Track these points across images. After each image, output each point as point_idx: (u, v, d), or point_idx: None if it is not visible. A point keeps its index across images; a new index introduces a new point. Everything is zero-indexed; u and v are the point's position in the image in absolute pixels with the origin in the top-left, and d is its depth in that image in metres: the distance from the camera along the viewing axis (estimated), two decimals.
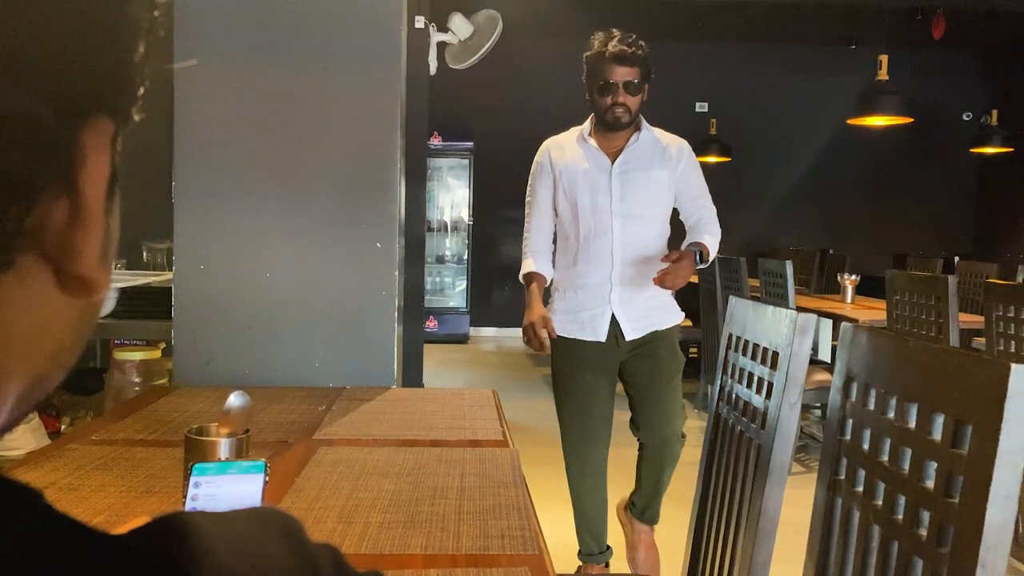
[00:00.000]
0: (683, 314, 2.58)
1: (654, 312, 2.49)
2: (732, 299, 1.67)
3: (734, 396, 1.52)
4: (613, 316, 2.45)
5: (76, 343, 0.31)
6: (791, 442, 1.32)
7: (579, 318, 2.48)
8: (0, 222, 0.25)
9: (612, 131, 2.44)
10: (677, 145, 2.53)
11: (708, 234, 2.50)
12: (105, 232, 0.30)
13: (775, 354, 1.36)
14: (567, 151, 2.54)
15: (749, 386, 1.45)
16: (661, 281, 2.31)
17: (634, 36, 2.40)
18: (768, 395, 1.36)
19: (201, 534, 0.27)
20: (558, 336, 2.46)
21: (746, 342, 1.51)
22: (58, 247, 0.27)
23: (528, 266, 2.54)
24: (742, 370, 1.51)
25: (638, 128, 2.49)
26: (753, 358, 1.46)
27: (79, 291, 0.29)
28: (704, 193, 2.56)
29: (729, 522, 1.42)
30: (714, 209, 2.55)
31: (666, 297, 2.53)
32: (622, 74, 2.38)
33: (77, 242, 0.27)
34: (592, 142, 2.50)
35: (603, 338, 2.46)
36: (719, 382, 1.61)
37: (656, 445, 2.48)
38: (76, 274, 0.28)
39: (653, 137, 2.52)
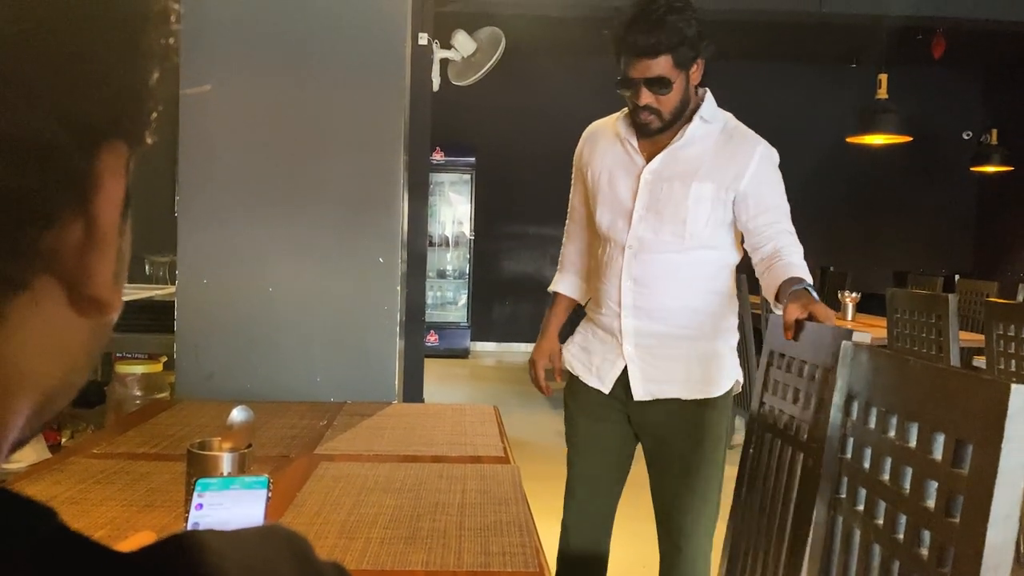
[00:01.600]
0: (738, 375, 1.91)
1: (687, 371, 1.84)
2: (772, 317, 1.64)
3: (776, 412, 1.52)
4: (626, 367, 1.88)
5: (88, 362, 0.32)
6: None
7: (591, 361, 1.95)
8: (17, 244, 0.25)
9: (644, 136, 1.87)
10: (749, 144, 1.85)
11: (796, 258, 1.78)
12: (118, 253, 0.31)
13: (825, 370, 1.31)
14: (600, 144, 1.96)
15: (795, 401, 1.45)
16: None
17: (667, 3, 1.74)
18: (817, 410, 1.31)
19: (212, 553, 0.27)
20: (565, 370, 2.02)
21: (790, 359, 1.51)
22: (73, 269, 0.28)
23: (554, 283, 2.10)
24: (786, 387, 1.51)
25: (689, 119, 1.84)
26: (800, 375, 1.46)
27: (92, 311, 0.29)
28: (782, 214, 1.85)
29: (774, 538, 1.41)
30: (795, 234, 1.85)
31: (713, 351, 1.86)
32: (642, 69, 1.76)
33: (91, 264, 0.28)
34: (628, 134, 1.89)
35: (607, 390, 1.91)
36: (758, 400, 1.60)
37: (666, 555, 1.87)
38: (90, 295, 0.29)
39: (715, 130, 1.85)
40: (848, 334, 1.26)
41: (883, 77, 5.93)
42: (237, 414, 1.09)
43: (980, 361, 3.62)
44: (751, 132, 1.88)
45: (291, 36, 2.02)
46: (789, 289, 1.65)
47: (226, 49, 2.00)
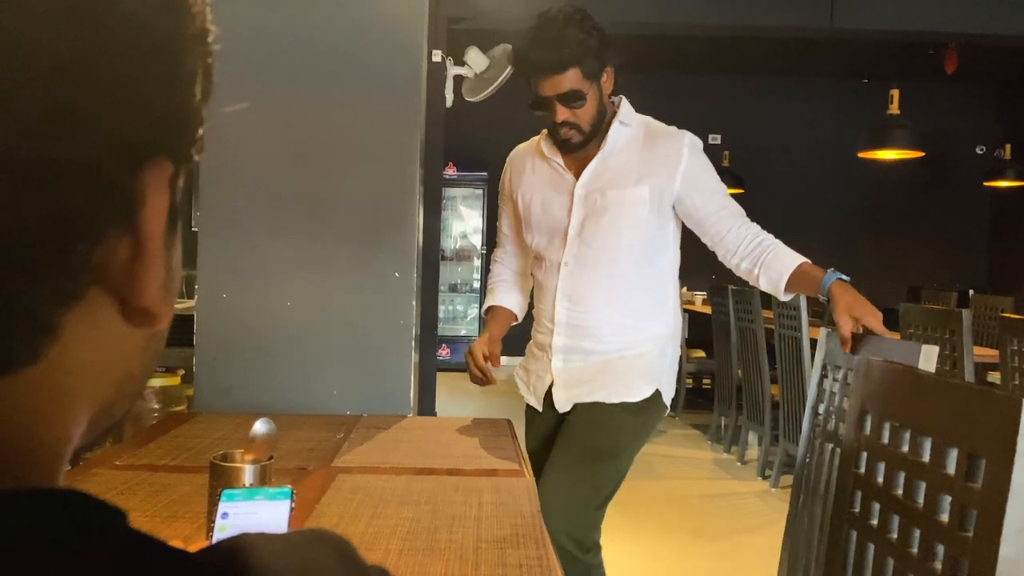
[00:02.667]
0: (666, 384, 1.89)
1: (606, 384, 1.84)
2: (823, 331, 1.65)
3: (832, 424, 1.51)
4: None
5: (143, 372, 0.34)
6: None
7: (528, 379, 1.99)
8: (68, 259, 0.27)
9: (567, 152, 1.88)
10: (675, 139, 1.84)
11: (777, 249, 1.81)
12: (167, 267, 0.32)
13: None
14: (526, 168, 1.99)
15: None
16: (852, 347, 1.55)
17: (563, 17, 1.75)
18: None
19: (266, 554, 0.29)
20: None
21: (847, 371, 1.50)
22: (122, 281, 0.29)
23: (486, 303, 2.09)
24: (843, 398, 1.50)
25: (609, 127, 1.85)
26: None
27: (142, 322, 0.31)
28: (726, 197, 1.88)
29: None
30: (742, 211, 1.89)
31: (639, 359, 1.85)
32: (552, 86, 1.76)
33: (139, 276, 0.29)
34: (552, 153, 1.90)
35: (539, 407, 1.94)
36: (812, 411, 1.59)
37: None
38: (139, 306, 0.30)
39: (638, 134, 1.86)
40: (916, 349, 1.28)
41: (894, 92, 5.94)
42: (260, 426, 1.11)
43: (995, 377, 3.61)
44: (673, 128, 1.89)
45: (310, 55, 2.06)
46: (820, 281, 1.71)
47: (246, 66, 2.04)
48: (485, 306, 2.09)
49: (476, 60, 4.17)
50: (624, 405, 1.83)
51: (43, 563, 0.24)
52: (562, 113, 1.78)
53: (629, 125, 1.87)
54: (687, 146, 1.84)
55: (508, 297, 2.07)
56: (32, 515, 0.25)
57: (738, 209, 1.88)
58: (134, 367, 0.33)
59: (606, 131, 1.85)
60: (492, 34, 4.76)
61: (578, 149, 1.85)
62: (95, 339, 0.30)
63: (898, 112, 5.90)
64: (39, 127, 0.25)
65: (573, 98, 1.77)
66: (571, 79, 1.75)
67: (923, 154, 6.22)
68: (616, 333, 1.85)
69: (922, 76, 7.65)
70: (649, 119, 1.91)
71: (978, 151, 8.86)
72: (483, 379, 1.95)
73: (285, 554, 0.30)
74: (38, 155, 0.25)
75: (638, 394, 1.84)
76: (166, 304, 0.31)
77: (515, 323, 2.11)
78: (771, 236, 1.85)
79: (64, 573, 0.24)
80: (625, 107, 1.88)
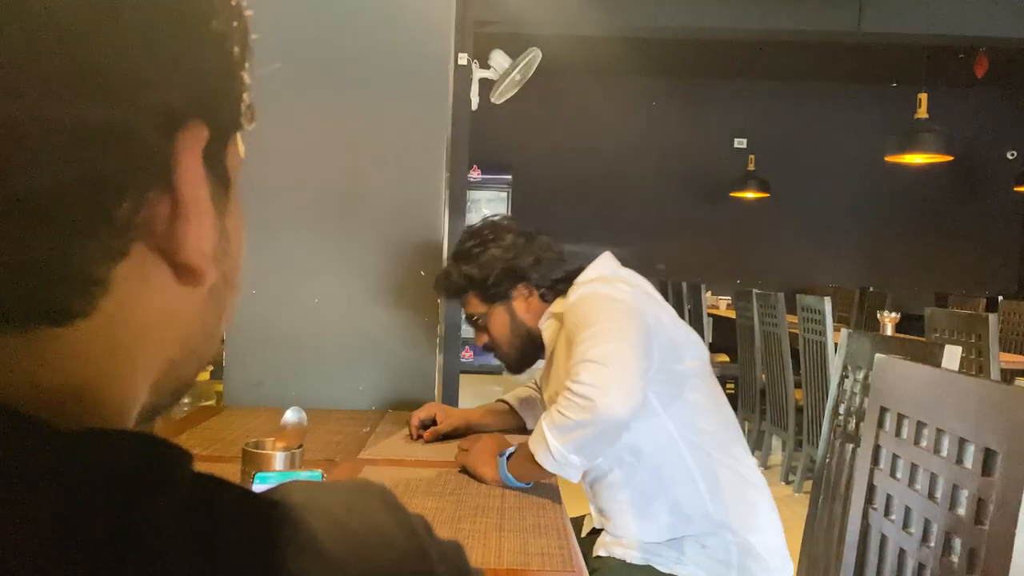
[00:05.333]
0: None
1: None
2: (844, 332, 1.38)
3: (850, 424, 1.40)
4: None
5: (206, 332, 0.36)
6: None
7: None
8: (111, 217, 0.29)
9: (516, 373, 1.76)
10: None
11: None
12: (220, 229, 0.34)
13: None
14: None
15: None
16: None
17: (461, 244, 1.68)
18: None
19: (317, 496, 0.32)
20: None
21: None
22: (164, 238, 0.31)
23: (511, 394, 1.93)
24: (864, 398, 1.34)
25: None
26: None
27: (189, 279, 0.32)
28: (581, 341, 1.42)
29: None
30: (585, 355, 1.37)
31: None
32: (465, 307, 1.70)
33: (180, 234, 0.31)
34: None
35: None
36: (832, 420, 1.41)
37: None
38: (183, 263, 0.32)
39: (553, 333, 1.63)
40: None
41: (923, 96, 5.89)
42: (291, 415, 1.14)
43: (1022, 383, 3.57)
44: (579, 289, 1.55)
45: (340, 58, 2.10)
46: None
47: (277, 69, 2.08)
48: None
49: (500, 63, 4.21)
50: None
51: (116, 500, 0.26)
52: (478, 336, 1.70)
53: (559, 313, 1.60)
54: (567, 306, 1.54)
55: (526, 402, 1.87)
56: (104, 453, 0.27)
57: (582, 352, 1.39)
58: (194, 328, 0.35)
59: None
60: (518, 38, 4.80)
61: (521, 368, 1.72)
62: (147, 296, 0.31)
63: (927, 116, 5.85)
64: (64, 90, 0.26)
65: (479, 322, 1.67)
66: (470, 304, 1.67)
67: (952, 159, 6.16)
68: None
69: (952, 81, 7.57)
70: (582, 289, 1.53)
71: (1008, 156, 8.74)
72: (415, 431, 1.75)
73: (335, 497, 0.33)
74: (66, 117, 0.26)
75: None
76: (208, 263, 0.32)
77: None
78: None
79: (137, 509, 0.26)
80: (574, 288, 1.56)
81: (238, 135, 0.37)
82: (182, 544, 0.26)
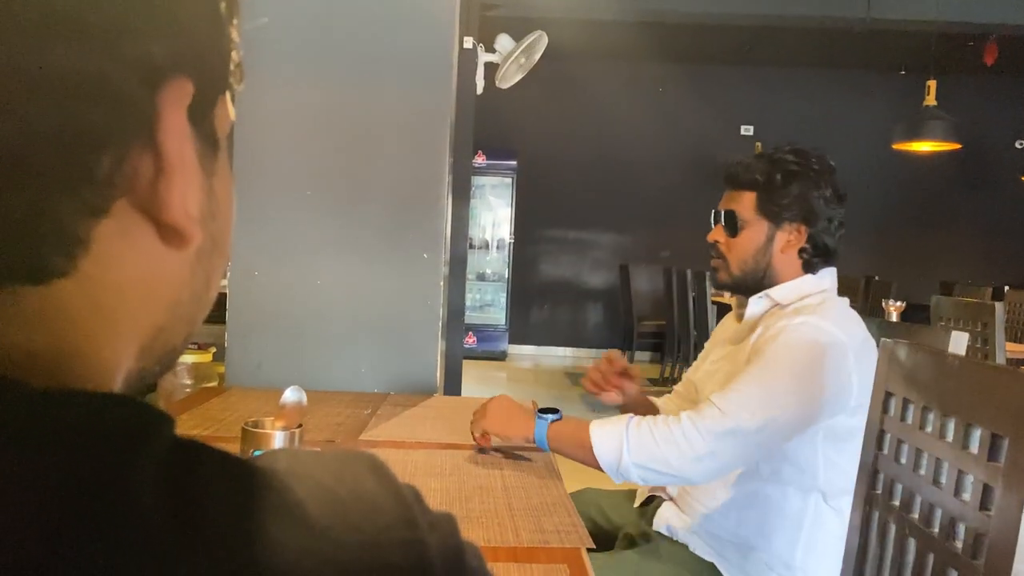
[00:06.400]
0: None
1: None
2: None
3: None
4: None
5: (194, 297, 0.34)
6: None
7: None
8: (91, 172, 0.28)
9: (718, 288, 1.72)
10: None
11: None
12: (206, 191, 0.33)
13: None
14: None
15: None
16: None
17: (784, 153, 1.60)
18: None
19: (303, 463, 0.31)
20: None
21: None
22: (147, 196, 0.30)
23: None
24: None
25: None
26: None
27: (174, 240, 0.31)
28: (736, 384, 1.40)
29: None
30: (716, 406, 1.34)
31: None
32: (724, 200, 1.63)
33: (163, 192, 0.30)
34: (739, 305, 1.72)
35: None
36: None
37: None
38: (166, 222, 0.30)
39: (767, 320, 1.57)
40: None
41: (931, 83, 5.84)
42: (290, 394, 1.14)
43: None
44: (793, 320, 1.44)
45: (343, 41, 2.08)
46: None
47: (280, 51, 2.07)
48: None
49: (506, 46, 4.18)
50: None
51: (92, 460, 0.25)
52: (714, 231, 1.60)
53: (779, 303, 1.53)
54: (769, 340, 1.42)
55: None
56: (81, 413, 0.26)
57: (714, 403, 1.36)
58: (181, 292, 0.33)
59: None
60: (525, 21, 4.76)
61: (725, 285, 1.62)
62: (131, 256, 0.30)
63: (935, 104, 5.80)
64: (37, 37, 0.25)
65: (730, 220, 1.57)
66: (741, 202, 1.57)
67: (960, 147, 6.11)
68: None
69: (961, 68, 7.51)
70: (810, 318, 1.43)
71: (1017, 145, 8.69)
72: (597, 386, 1.78)
73: (321, 463, 0.32)
74: (41, 66, 0.26)
75: None
76: (193, 224, 0.31)
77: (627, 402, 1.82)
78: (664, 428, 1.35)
79: (114, 469, 0.25)
80: (800, 285, 1.55)
81: (228, 96, 0.35)
82: (160, 507, 0.25)
